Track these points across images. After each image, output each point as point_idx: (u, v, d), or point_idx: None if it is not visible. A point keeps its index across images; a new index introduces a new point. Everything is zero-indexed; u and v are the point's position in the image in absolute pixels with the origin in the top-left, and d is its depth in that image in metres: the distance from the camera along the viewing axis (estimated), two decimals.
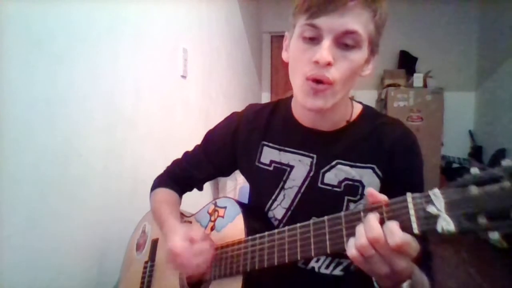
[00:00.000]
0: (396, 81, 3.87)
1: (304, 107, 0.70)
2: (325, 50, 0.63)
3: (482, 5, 4.02)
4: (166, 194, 0.93)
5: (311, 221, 0.61)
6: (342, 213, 0.56)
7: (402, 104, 3.63)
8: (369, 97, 4.30)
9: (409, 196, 0.50)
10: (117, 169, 1.19)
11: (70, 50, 0.95)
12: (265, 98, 4.50)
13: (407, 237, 0.48)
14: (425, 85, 3.76)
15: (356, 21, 0.63)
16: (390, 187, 0.72)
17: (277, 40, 4.56)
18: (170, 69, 1.64)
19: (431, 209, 0.47)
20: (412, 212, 0.49)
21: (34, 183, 0.84)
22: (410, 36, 4.20)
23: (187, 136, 1.74)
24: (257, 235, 0.69)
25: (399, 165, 0.74)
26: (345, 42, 0.64)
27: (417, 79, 3.76)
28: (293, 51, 0.70)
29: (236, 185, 2.30)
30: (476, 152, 3.96)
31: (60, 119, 0.92)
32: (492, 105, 3.80)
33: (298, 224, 0.63)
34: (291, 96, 0.83)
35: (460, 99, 4.11)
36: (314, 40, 0.65)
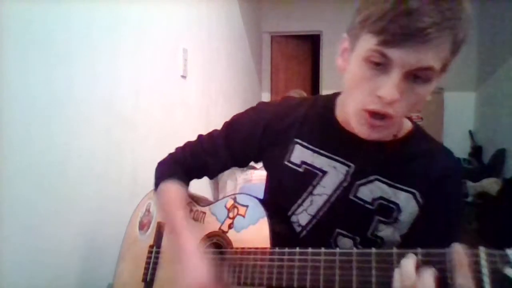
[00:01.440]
0: None
1: (357, 133, 0.64)
2: (393, 87, 0.55)
3: (481, 5, 4.02)
4: (177, 192, 0.84)
5: (354, 250, 0.56)
6: (394, 250, 0.52)
7: None
8: None
9: (482, 251, 0.45)
10: (117, 170, 1.19)
11: (70, 50, 0.95)
12: (265, 98, 4.50)
13: None
14: None
15: (433, 55, 0.54)
16: (427, 215, 0.68)
17: (277, 40, 4.56)
18: (170, 69, 1.64)
19: (509, 272, 0.42)
20: (485, 270, 0.43)
21: (33, 184, 0.84)
22: None
23: (187, 136, 1.73)
24: (287, 249, 0.65)
25: (444, 197, 0.68)
26: (416, 74, 0.56)
27: None
28: (355, 73, 0.61)
29: (236, 185, 2.30)
30: (476, 152, 3.96)
31: (59, 119, 0.92)
32: (492, 105, 3.81)
33: (338, 250, 0.58)
34: (334, 94, 0.77)
35: (460, 99, 4.11)
36: (380, 65, 0.56)
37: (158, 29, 1.49)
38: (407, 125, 0.73)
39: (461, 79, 4.16)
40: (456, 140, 4.08)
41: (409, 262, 0.48)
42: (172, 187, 0.84)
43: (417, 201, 0.68)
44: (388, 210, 0.68)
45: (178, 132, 1.67)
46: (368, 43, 0.56)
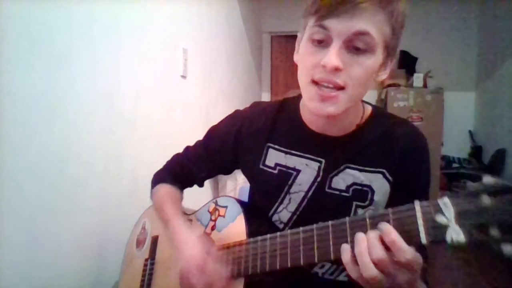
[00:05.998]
0: (396, 81, 3.86)
1: (311, 112, 0.68)
2: (333, 54, 0.59)
3: (481, 5, 4.02)
4: (168, 190, 0.92)
5: (314, 226, 0.59)
6: (347, 219, 0.55)
7: (402, 104, 3.62)
8: (369, 97, 4.28)
9: (417, 204, 0.48)
10: (117, 169, 1.19)
11: (70, 50, 0.95)
12: (265, 98, 4.50)
13: (416, 254, 0.47)
14: (425, 85, 3.76)
15: (368, 22, 0.58)
16: (399, 190, 0.71)
17: (277, 40, 4.55)
18: (170, 69, 1.64)
19: (440, 218, 0.45)
20: (420, 221, 0.47)
21: (34, 183, 0.84)
22: (410, 36, 4.19)
23: (187, 136, 1.74)
24: (259, 238, 0.68)
25: (411, 169, 0.71)
26: (356, 45, 0.60)
27: (417, 79, 3.75)
28: (302, 53, 0.67)
29: (236, 185, 2.30)
30: (476, 152, 3.96)
31: (60, 119, 0.92)
32: (492, 105, 3.80)
33: (301, 228, 0.61)
34: (299, 96, 0.80)
35: (460, 99, 4.10)
36: (323, 43, 0.62)
37: (158, 29, 1.49)
38: (368, 111, 0.76)
39: (461, 79, 4.16)
40: (456, 140, 4.08)
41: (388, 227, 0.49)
42: (162, 188, 0.92)
43: (387, 179, 0.72)
44: (362, 193, 0.72)
45: (178, 132, 1.67)
46: (310, 24, 0.63)
